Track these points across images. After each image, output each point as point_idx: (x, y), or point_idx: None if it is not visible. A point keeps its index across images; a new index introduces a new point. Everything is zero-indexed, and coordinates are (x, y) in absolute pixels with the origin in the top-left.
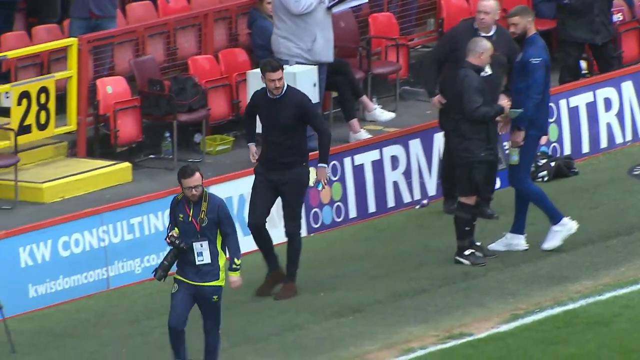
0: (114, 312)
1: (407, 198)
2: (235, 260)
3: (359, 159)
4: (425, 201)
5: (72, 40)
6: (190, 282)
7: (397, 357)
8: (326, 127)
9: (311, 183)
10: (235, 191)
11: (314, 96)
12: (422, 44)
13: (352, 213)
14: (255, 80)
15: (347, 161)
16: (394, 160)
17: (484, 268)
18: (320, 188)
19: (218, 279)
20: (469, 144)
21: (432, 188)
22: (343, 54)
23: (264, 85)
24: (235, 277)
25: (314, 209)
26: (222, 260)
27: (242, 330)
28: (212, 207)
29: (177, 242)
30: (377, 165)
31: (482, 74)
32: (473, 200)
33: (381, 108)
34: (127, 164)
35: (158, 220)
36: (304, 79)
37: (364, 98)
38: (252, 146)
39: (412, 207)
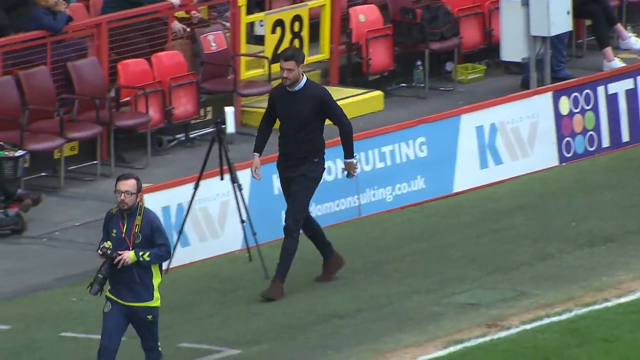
0: (364, 240)
1: None
2: (144, 255)
3: (613, 87)
4: None
5: None
6: (123, 302)
7: None
8: (346, 119)
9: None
10: (487, 120)
11: (567, 24)
12: None
13: (605, 142)
14: (508, 9)
15: (601, 90)
16: None
17: None
18: (350, 177)
19: (152, 298)
20: None
21: None
22: None
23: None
24: (129, 255)
25: (566, 138)
26: (157, 280)
27: (492, 259)
28: (147, 222)
29: (109, 252)
30: (631, 94)
31: None
32: None
33: (636, 36)
34: (378, 92)
35: (409, 148)
36: (557, 7)
37: (619, 26)
38: (257, 158)
39: None
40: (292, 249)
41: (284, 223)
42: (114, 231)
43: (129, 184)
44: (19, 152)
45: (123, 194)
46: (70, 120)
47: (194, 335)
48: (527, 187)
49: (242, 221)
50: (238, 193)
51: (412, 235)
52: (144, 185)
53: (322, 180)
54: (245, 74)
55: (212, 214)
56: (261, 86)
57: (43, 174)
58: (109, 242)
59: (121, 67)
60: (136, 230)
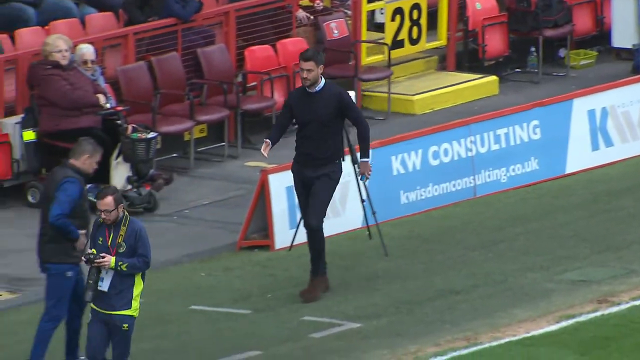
0: (479, 219)
1: None
2: (122, 265)
3: None
4: None
5: None
6: (101, 310)
7: None
8: (364, 120)
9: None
10: (599, 104)
11: None
12: None
13: None
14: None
15: None
16: None
17: None
18: (364, 180)
19: (130, 307)
20: None
21: None
22: None
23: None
24: (109, 260)
25: None
26: (138, 289)
27: (602, 238)
28: (131, 232)
29: (91, 257)
30: None
31: None
32: None
33: None
34: (494, 77)
35: (523, 131)
36: None
37: None
38: (268, 141)
39: None
40: (322, 247)
41: (309, 223)
42: (100, 239)
43: (106, 203)
44: (151, 134)
45: (102, 213)
46: (199, 104)
47: (317, 309)
48: (637, 169)
49: (362, 201)
50: (357, 173)
51: (525, 215)
52: (269, 165)
53: (438, 162)
54: (366, 59)
55: (334, 195)
56: (381, 71)
57: (174, 155)
58: (93, 250)
59: (248, 53)
60: (119, 240)
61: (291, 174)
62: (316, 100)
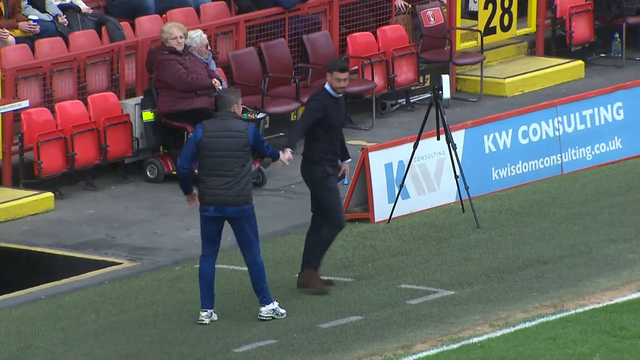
0: (566, 194)
1: None
2: None
3: None
4: None
5: None
6: None
7: None
8: None
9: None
10: None
11: None
12: None
13: None
14: None
15: None
16: None
17: None
18: (346, 183)
19: None
20: None
21: None
22: None
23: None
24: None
25: None
26: None
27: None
28: None
29: None
30: None
31: None
32: None
33: None
34: (580, 62)
35: (607, 112)
36: None
37: None
38: (289, 153)
39: None
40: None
41: (344, 223)
42: None
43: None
44: (260, 115)
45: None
46: (305, 87)
47: (414, 277)
48: None
49: (456, 177)
50: (452, 152)
51: (609, 190)
52: (370, 144)
53: (527, 141)
54: (460, 45)
55: (429, 170)
56: (474, 56)
57: (281, 134)
58: None
59: (350, 40)
60: None
61: (390, 152)
62: (339, 104)
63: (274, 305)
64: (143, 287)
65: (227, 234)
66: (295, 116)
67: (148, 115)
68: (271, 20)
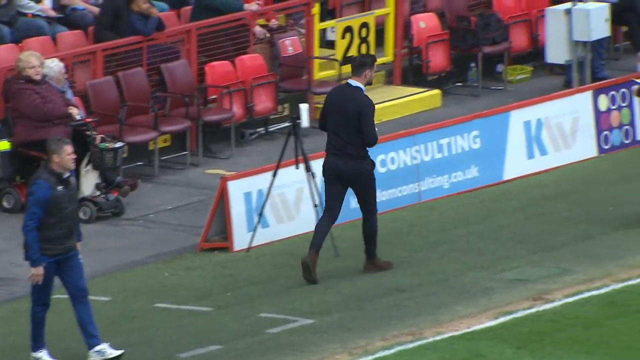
0: (424, 222)
1: None
2: None
3: None
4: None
5: None
6: None
7: None
8: None
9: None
10: (534, 115)
11: (605, 30)
12: None
13: (639, 135)
14: (553, 17)
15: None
16: None
17: None
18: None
19: None
20: None
21: None
22: None
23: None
24: None
25: (605, 131)
26: None
27: (538, 240)
28: None
29: None
30: None
31: None
32: None
33: None
34: (437, 91)
35: (464, 141)
36: (597, 15)
37: None
38: None
39: None
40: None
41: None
42: None
43: None
44: (118, 144)
45: None
46: (163, 116)
47: (273, 306)
48: (570, 176)
49: (315, 205)
50: (311, 180)
51: (466, 218)
52: (228, 173)
53: (386, 170)
54: (318, 74)
55: (288, 199)
56: (332, 85)
57: (139, 163)
58: None
59: (208, 69)
60: None
61: (249, 181)
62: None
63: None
64: (0, 318)
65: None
66: (154, 145)
67: (4, 145)
68: (129, 49)
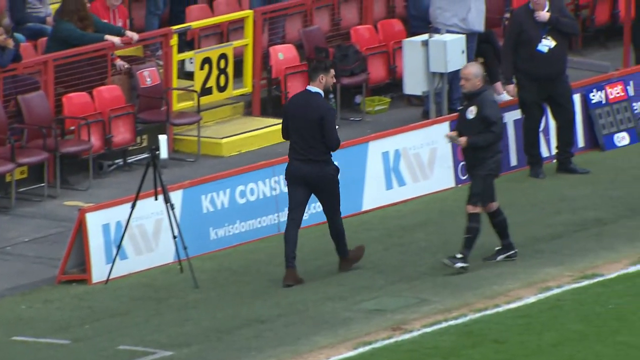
0: (283, 253)
1: (545, 153)
2: None
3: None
4: None
5: (249, 12)
6: None
7: (536, 294)
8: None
9: None
10: (392, 146)
11: (462, 62)
12: None
13: None
14: (410, 48)
15: None
16: None
17: (615, 215)
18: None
19: None
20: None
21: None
22: (488, 24)
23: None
24: None
25: (462, 162)
26: None
27: (397, 270)
28: None
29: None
30: (518, 124)
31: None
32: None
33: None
34: None
35: None
36: (453, 47)
37: (497, 84)
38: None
39: (550, 161)
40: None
41: None
42: None
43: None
44: None
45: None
46: (20, 147)
47: (132, 338)
48: (427, 206)
49: (174, 237)
50: (170, 212)
51: (326, 249)
52: (86, 204)
53: (245, 201)
54: (177, 105)
55: (147, 231)
56: (191, 117)
57: None
58: None
59: (66, 100)
60: None
61: (108, 213)
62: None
63: None
64: None
65: None
66: (10, 177)
67: None
68: None
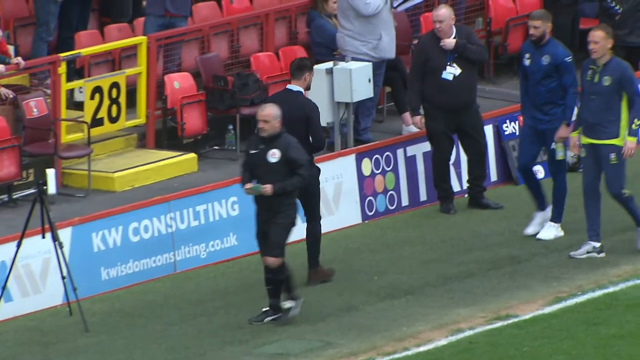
0: (180, 293)
1: (456, 187)
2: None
3: (411, 150)
4: None
5: (142, 39)
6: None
7: (447, 337)
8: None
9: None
10: None
11: (368, 91)
12: None
13: (405, 201)
14: (315, 77)
15: (400, 152)
16: None
17: (530, 253)
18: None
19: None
20: None
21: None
22: (396, 52)
23: (307, 86)
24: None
25: (369, 197)
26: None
27: (302, 311)
28: None
29: None
30: (428, 156)
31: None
32: None
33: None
34: (193, 155)
35: (222, 207)
36: (359, 75)
37: (406, 115)
38: None
39: (461, 195)
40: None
41: None
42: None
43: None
44: None
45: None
46: None
47: None
48: (333, 244)
49: (63, 277)
50: (59, 250)
51: (225, 289)
52: None
53: (139, 238)
54: (66, 137)
55: (34, 271)
56: (81, 149)
57: None
58: None
59: None
60: None
61: None
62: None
63: None
64: None
65: None
66: None
67: None
68: None
